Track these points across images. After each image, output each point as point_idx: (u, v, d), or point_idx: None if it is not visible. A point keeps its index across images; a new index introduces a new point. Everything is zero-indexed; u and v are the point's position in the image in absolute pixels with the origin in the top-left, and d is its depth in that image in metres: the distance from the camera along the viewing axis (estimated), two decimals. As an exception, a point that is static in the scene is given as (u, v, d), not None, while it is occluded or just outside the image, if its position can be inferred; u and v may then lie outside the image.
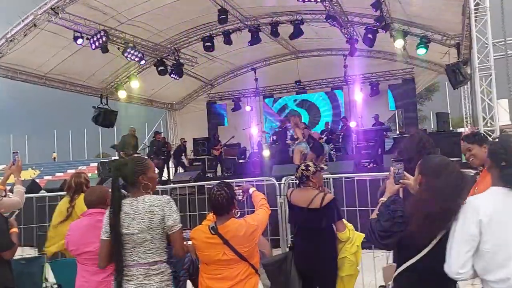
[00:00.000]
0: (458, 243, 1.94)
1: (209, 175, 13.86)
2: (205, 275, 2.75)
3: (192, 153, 15.86)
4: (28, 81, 12.99)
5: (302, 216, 3.49)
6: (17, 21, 10.85)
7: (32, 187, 9.58)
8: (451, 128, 13.41)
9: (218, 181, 2.87)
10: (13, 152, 3.90)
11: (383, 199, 2.29)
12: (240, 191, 3.20)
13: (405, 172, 2.26)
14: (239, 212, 2.88)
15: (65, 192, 4.19)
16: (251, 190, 3.24)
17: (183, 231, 3.73)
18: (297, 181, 3.74)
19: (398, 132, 12.63)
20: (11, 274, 3.16)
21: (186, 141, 15.49)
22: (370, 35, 11.78)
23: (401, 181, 2.25)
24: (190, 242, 2.84)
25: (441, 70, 13.56)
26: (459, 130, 15.25)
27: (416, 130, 3.05)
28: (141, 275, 2.54)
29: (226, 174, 14.04)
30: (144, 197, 2.61)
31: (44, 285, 3.91)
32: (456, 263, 1.94)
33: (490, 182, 2.06)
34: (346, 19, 11.99)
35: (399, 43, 11.69)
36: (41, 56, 12.23)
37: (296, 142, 10.20)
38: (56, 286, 3.69)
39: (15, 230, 3.31)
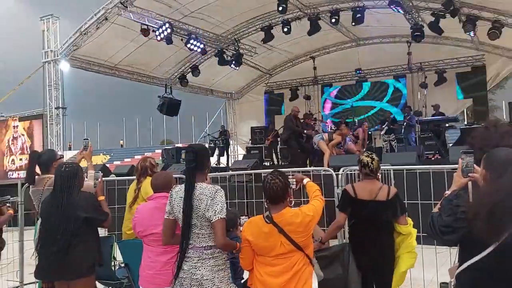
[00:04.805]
0: None
1: (266, 163, 13.98)
2: (260, 268, 2.72)
3: (250, 142, 16.09)
4: (100, 72, 13.84)
5: (366, 209, 3.42)
6: (89, 15, 11.58)
7: (103, 171, 10.19)
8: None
9: (272, 170, 2.88)
10: (84, 139, 4.17)
11: (448, 192, 2.21)
12: (294, 180, 3.20)
13: (475, 165, 2.14)
14: (293, 201, 2.89)
15: (132, 177, 4.47)
16: (305, 180, 3.21)
17: (241, 216, 3.84)
18: (358, 172, 3.69)
19: (465, 123, 11.91)
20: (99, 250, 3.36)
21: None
22: (437, 21, 11.17)
23: (470, 174, 2.13)
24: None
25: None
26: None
27: (496, 119, 2.65)
28: (196, 257, 2.64)
29: (282, 163, 14.06)
30: (197, 184, 2.70)
31: (112, 263, 4.19)
32: None
33: None
34: (410, 4, 11.45)
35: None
36: (111, 48, 12.97)
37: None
38: (123, 265, 3.93)
39: (102, 198, 3.49)
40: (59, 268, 3.06)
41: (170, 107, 15.07)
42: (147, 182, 4.14)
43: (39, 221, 3.85)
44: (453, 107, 14.56)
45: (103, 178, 3.85)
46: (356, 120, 14.19)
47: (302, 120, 12.07)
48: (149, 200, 3.23)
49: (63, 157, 4.48)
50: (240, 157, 16.01)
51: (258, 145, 15.40)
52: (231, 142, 17.06)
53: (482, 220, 1.88)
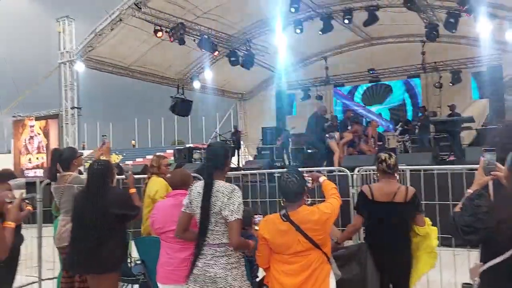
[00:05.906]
0: None
1: (277, 163, 13.93)
2: (278, 266, 2.70)
3: (261, 142, 16.05)
4: (113, 73, 13.96)
5: (384, 210, 3.35)
6: (104, 17, 11.70)
7: (117, 170, 10.30)
8: (544, 120, 12.14)
9: (288, 168, 2.84)
10: (102, 135, 4.28)
11: (469, 191, 2.17)
12: (310, 178, 3.15)
13: (497, 163, 2.07)
14: (309, 200, 2.86)
15: (144, 176, 4.61)
16: (321, 179, 3.16)
17: (255, 215, 3.84)
18: (373, 172, 3.63)
19: (482, 123, 11.72)
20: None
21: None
22: (452, 20, 11.04)
23: (492, 172, 2.08)
24: (257, 228, 2.88)
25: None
26: (554, 121, 13.76)
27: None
28: (209, 255, 2.65)
29: (293, 164, 13.98)
30: (215, 181, 2.70)
31: (129, 260, 4.23)
32: None
33: None
34: (425, 2, 11.34)
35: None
36: (125, 49, 13.09)
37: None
38: (139, 262, 3.96)
39: (133, 191, 3.58)
40: (91, 262, 3.14)
41: (182, 108, 15.13)
42: (149, 181, 4.32)
43: (59, 217, 3.93)
44: (468, 107, 14.36)
45: (119, 177, 3.90)
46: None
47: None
48: (167, 197, 3.25)
49: (82, 155, 4.56)
50: (251, 158, 16.00)
51: (269, 146, 15.37)
52: (242, 142, 17.05)
53: (507, 226, 1.85)
